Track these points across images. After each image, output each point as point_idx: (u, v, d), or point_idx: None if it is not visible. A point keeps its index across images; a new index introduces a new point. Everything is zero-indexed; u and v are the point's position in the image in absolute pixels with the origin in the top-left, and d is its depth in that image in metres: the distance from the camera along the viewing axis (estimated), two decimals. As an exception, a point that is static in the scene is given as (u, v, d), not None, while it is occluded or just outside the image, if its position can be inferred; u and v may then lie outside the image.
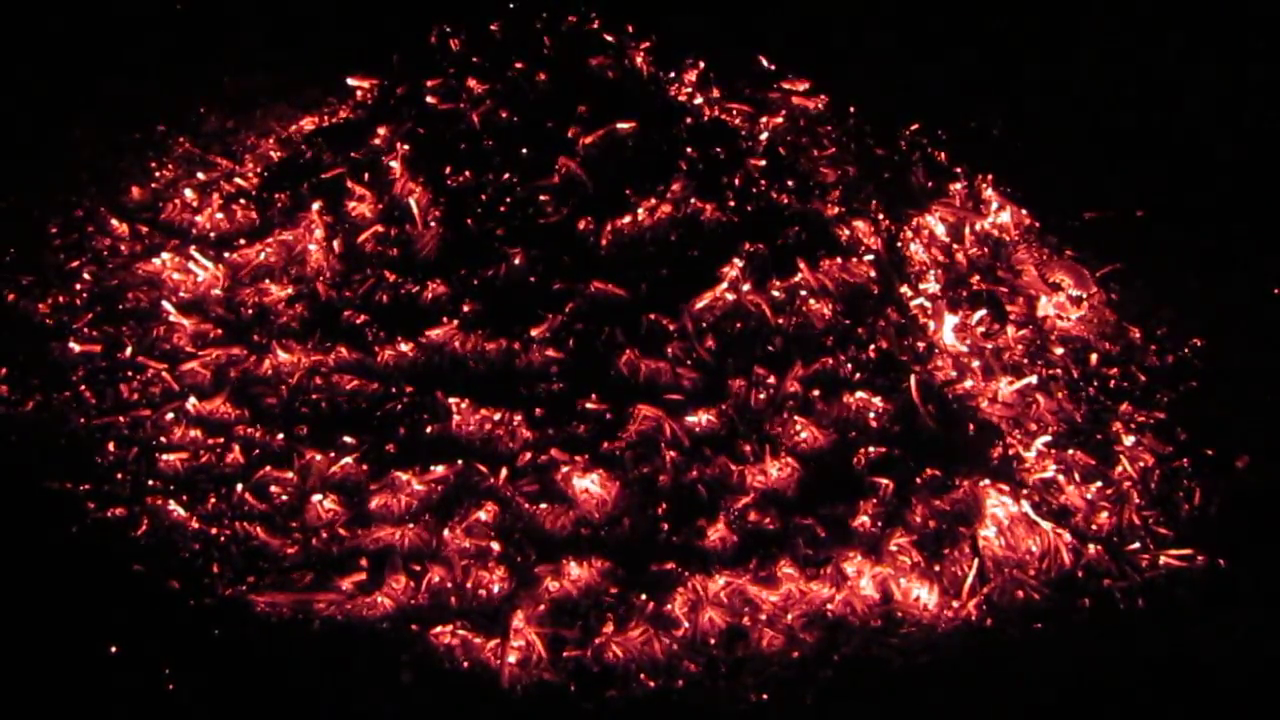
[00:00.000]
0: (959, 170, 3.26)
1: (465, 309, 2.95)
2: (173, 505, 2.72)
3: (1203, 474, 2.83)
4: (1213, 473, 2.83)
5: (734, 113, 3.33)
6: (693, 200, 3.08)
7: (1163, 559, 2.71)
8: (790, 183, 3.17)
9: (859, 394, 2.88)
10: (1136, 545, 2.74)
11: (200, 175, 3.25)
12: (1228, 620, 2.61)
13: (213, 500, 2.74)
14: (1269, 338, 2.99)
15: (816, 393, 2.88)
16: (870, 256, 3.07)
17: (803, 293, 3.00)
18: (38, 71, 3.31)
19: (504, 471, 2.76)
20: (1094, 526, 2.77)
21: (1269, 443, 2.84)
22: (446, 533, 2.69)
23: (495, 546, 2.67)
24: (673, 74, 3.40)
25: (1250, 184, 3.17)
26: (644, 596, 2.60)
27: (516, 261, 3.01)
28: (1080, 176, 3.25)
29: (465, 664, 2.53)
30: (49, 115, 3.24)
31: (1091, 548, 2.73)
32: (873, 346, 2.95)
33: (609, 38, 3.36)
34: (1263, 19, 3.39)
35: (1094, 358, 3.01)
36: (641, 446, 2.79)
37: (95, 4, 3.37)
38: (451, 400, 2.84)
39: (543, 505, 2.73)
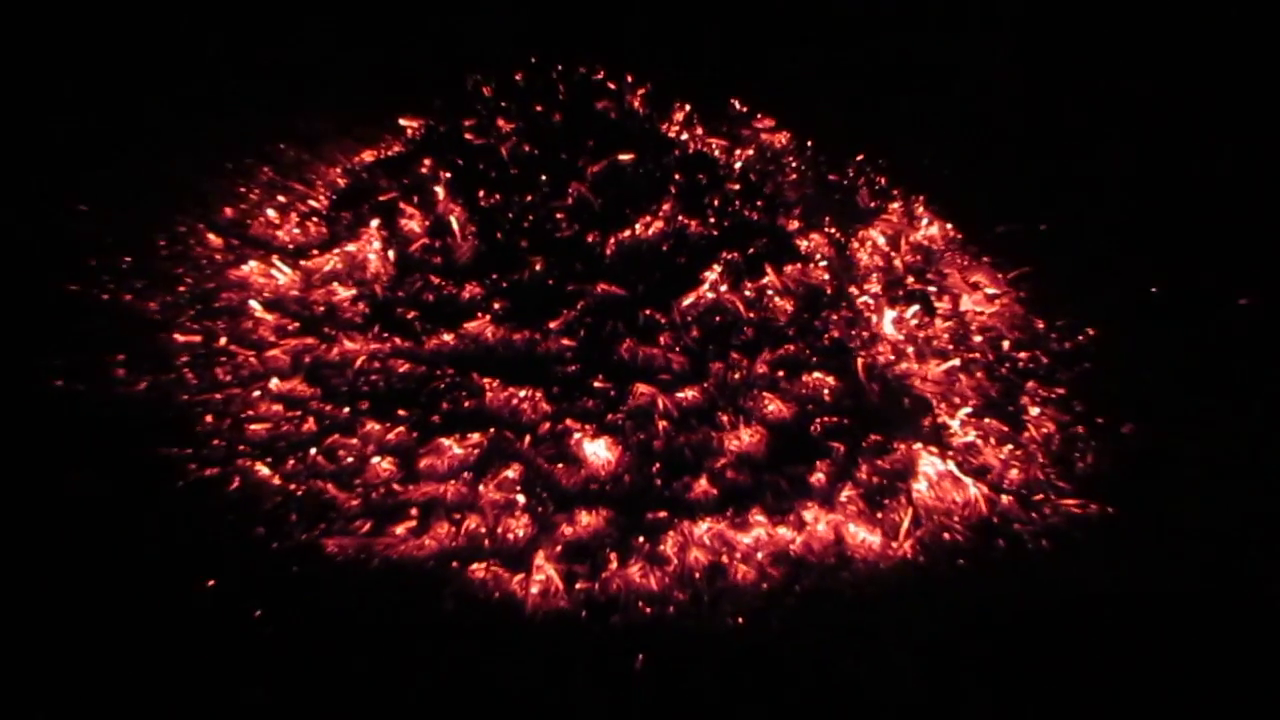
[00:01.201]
0: (896, 193, 3.20)
1: (496, 306, 2.86)
2: (258, 466, 2.61)
3: (1095, 438, 2.73)
4: (1103, 437, 2.72)
5: (713, 146, 3.26)
6: (680, 217, 3.00)
7: (1062, 507, 2.61)
8: (759, 203, 3.11)
9: (815, 374, 2.79)
10: (1041, 496, 2.64)
11: (280, 198, 3.21)
12: (1115, 556, 2.50)
13: (290, 462, 2.63)
14: (1148, 327, 2.89)
15: (781, 373, 2.79)
16: (824, 262, 3.03)
17: (770, 292, 2.92)
18: (150, 114, 3.25)
19: (527, 438, 2.66)
20: (1006, 481, 2.68)
21: (1149, 412, 2.73)
22: (481, 488, 2.60)
23: (520, 499, 2.58)
24: (664, 115, 3.32)
25: (1133, 204, 3.10)
26: (641, 539, 2.53)
27: (537, 267, 2.92)
28: (994, 197, 3.19)
29: (496, 595, 2.45)
30: (158, 149, 3.15)
31: (1004, 498, 2.62)
32: (827, 336, 2.87)
33: (612, 85, 3.28)
34: (1145, 57, 3.20)
35: (1006, 344, 2.94)
36: (639, 417, 2.70)
37: (199, 62, 3.27)
38: (484, 380, 2.74)
39: (559, 465, 2.64)
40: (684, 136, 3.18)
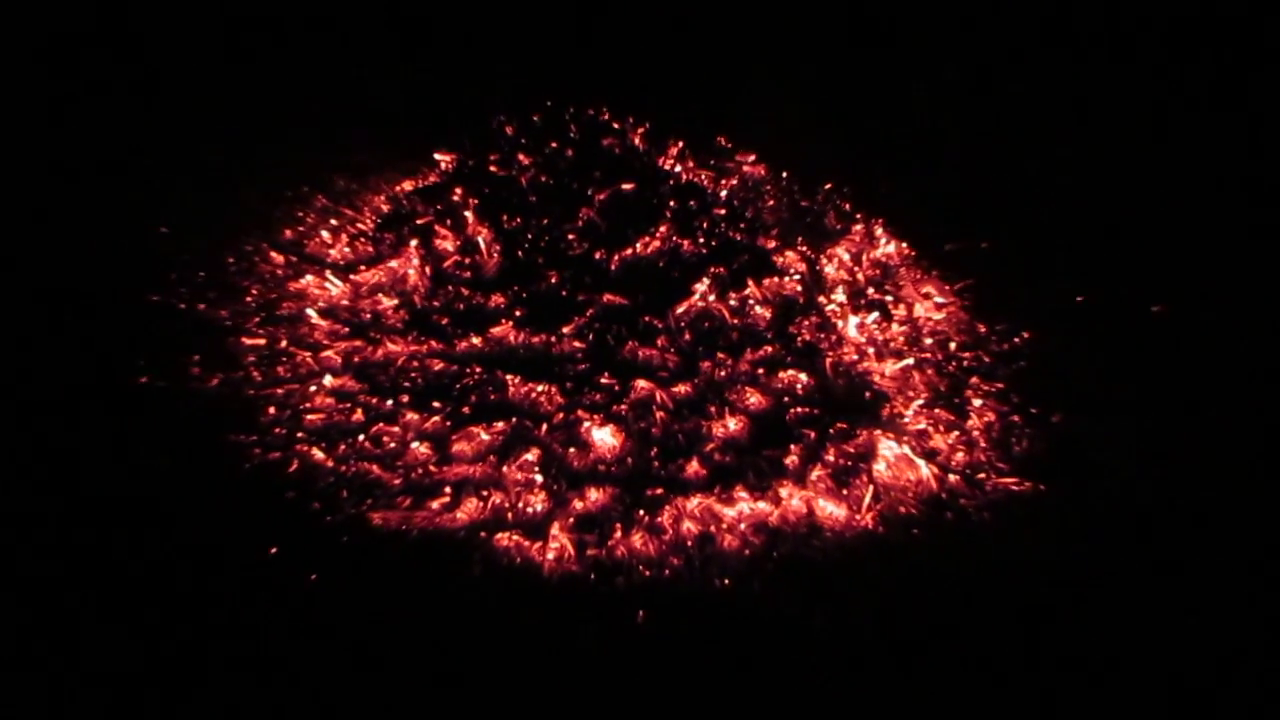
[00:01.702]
0: (858, 216, 3.16)
1: (517, 313, 2.83)
2: (314, 450, 2.60)
3: (1029, 425, 2.71)
4: (1036, 424, 2.71)
5: (702, 177, 3.22)
6: (674, 237, 2.99)
7: (1001, 485, 2.60)
8: (742, 225, 3.08)
9: (790, 371, 2.77)
10: (983, 475, 2.62)
11: (333, 221, 3.15)
12: (1045, 526, 2.50)
13: (341, 447, 2.61)
14: (1074, 331, 2.87)
15: (761, 371, 2.77)
16: (797, 276, 2.98)
17: (751, 301, 2.90)
18: (222, 151, 3.20)
19: (544, 426, 2.64)
20: (953, 462, 2.66)
21: (1075, 403, 2.72)
22: (504, 469, 2.58)
23: (538, 478, 2.57)
24: (660, 150, 3.29)
25: (1061, 228, 3.06)
26: (642, 512, 2.51)
27: (552, 280, 2.90)
28: (942, 220, 3.14)
29: (517, 560, 2.43)
30: (229, 181, 3.13)
31: (951, 477, 2.61)
32: (799, 339, 2.85)
33: (615, 125, 3.26)
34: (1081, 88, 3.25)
35: (953, 345, 2.90)
36: (639, 408, 2.68)
37: (265, 107, 3.25)
38: (507, 376, 2.72)
39: (571, 449, 2.62)
40: (677, 168, 3.18)
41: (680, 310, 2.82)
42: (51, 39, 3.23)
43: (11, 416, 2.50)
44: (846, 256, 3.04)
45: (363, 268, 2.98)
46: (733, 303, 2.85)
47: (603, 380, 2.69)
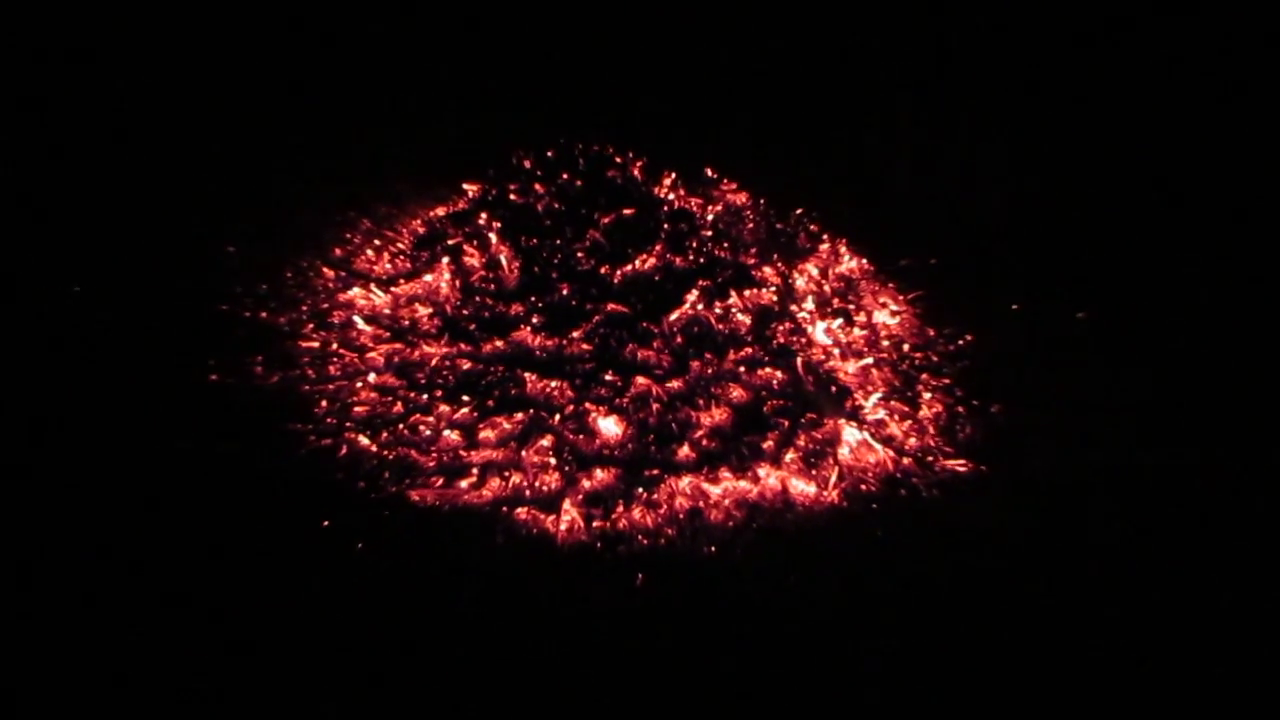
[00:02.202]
0: (825, 237, 3.16)
1: (534, 320, 2.83)
2: (360, 437, 2.59)
3: (971, 415, 2.72)
4: (977, 414, 2.72)
5: (692, 203, 3.21)
6: (668, 255, 2.99)
7: (947, 466, 2.60)
8: (726, 244, 3.08)
9: (767, 369, 2.77)
10: (931, 458, 2.63)
11: (376, 241, 3.13)
12: (985, 502, 2.51)
13: (384, 434, 2.60)
14: (1010, 334, 2.89)
15: (742, 369, 2.76)
16: (773, 288, 2.97)
17: (734, 310, 2.89)
18: (281, 181, 3.21)
19: (557, 416, 2.63)
20: (907, 447, 2.66)
21: (1011, 396, 2.73)
22: (523, 453, 2.57)
23: (552, 461, 2.55)
24: (656, 180, 3.28)
25: (999, 245, 3.10)
26: (641, 490, 2.50)
27: (564, 291, 2.89)
28: (897, 240, 3.15)
29: (534, 531, 2.42)
30: (287, 206, 3.13)
31: (905, 459, 2.62)
32: (775, 341, 2.84)
33: (618, 159, 3.26)
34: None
35: (906, 347, 2.90)
36: (638, 401, 2.67)
37: (316, 141, 3.28)
38: (525, 374, 2.71)
39: (580, 436, 2.61)
40: (671, 196, 3.19)
41: (673, 317, 2.84)
42: (128, 85, 3.26)
43: (103, 409, 2.52)
44: (815, 271, 3.06)
45: (401, 281, 2.99)
46: (718, 311, 2.87)
47: (607, 377, 2.70)
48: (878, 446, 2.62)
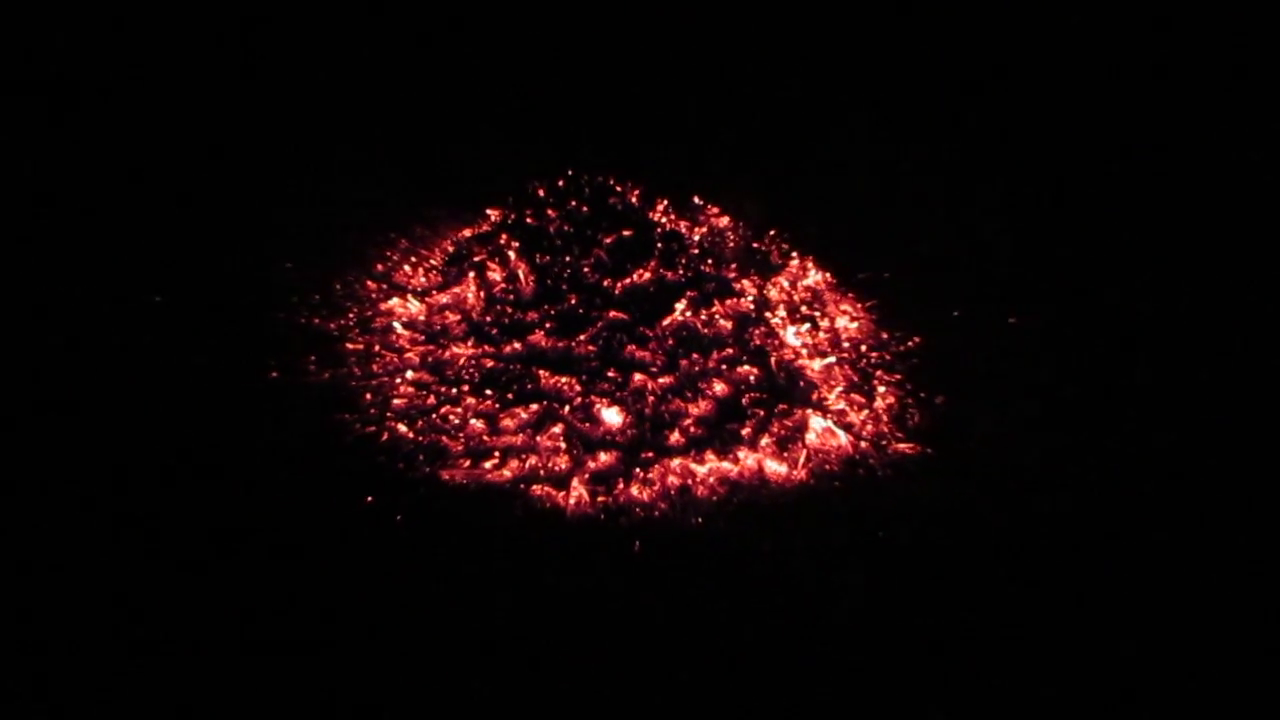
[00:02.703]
0: (795, 254, 3.16)
1: (547, 325, 2.86)
2: (399, 425, 2.62)
3: (919, 406, 2.73)
4: (925, 406, 2.73)
5: (681, 225, 3.21)
6: (661, 270, 3.01)
7: (899, 449, 2.63)
8: (710, 261, 3.09)
9: (745, 367, 2.79)
10: (885, 442, 2.66)
11: (412, 258, 3.13)
12: (932, 482, 2.54)
13: (420, 423, 2.64)
14: (952, 336, 2.91)
15: (724, 366, 2.79)
16: (751, 298, 2.99)
17: (717, 317, 2.91)
18: (331, 208, 3.23)
19: (567, 407, 2.66)
20: (864, 433, 2.69)
21: (954, 389, 2.76)
22: (538, 438, 2.60)
23: (563, 445, 2.58)
24: (650, 206, 3.28)
25: (940, 262, 3.10)
26: (638, 470, 2.52)
27: (572, 301, 2.92)
28: (855, 257, 3.15)
29: (548, 505, 2.45)
30: (336, 228, 3.16)
31: (863, 443, 2.64)
32: (752, 343, 2.87)
33: (618, 188, 3.26)
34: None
35: (864, 348, 2.91)
36: (637, 394, 2.70)
37: (363, 175, 3.28)
38: (540, 371, 2.74)
39: (586, 424, 2.63)
40: (663, 220, 3.21)
41: (665, 323, 2.87)
42: (217, 135, 3.29)
43: (182, 402, 2.56)
44: (786, 284, 3.09)
45: (434, 292, 3.03)
46: (703, 317, 2.91)
47: (609, 374, 2.74)
48: (839, 432, 2.66)
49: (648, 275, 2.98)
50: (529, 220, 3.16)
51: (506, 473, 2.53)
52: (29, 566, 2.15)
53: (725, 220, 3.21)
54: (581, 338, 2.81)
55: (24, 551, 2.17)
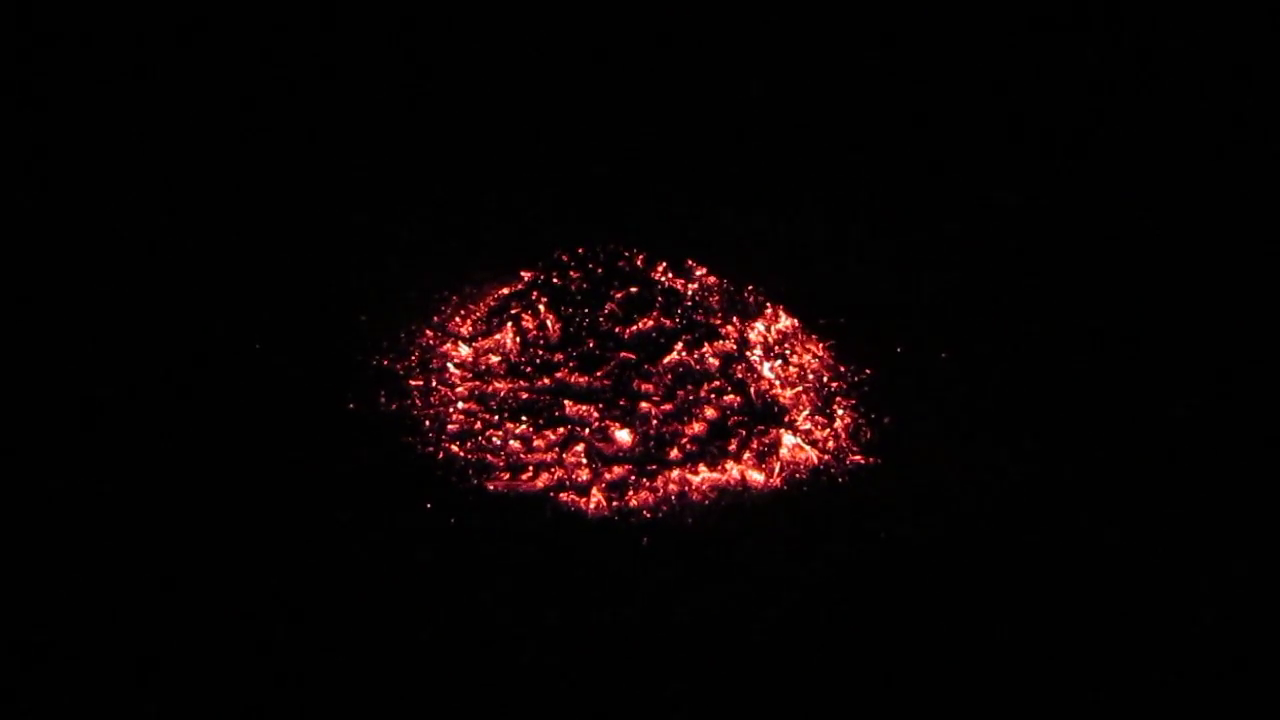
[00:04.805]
0: (768, 305, 3.61)
1: (571, 364, 3.28)
2: (452, 446, 3.02)
3: (870, 426, 3.13)
4: (874, 425, 3.13)
5: (678, 284, 3.65)
6: (662, 319, 3.44)
7: (854, 460, 3.02)
8: (700, 311, 3.54)
9: (730, 395, 3.20)
10: (844, 455, 3.06)
11: (462, 311, 3.58)
12: (884, 485, 2.91)
13: (469, 444, 3.03)
14: (896, 370, 3.35)
15: (713, 396, 3.20)
16: (733, 340, 3.42)
17: (708, 356, 3.33)
18: (391, 273, 3.75)
19: (587, 430, 3.05)
20: (827, 446, 3.07)
21: (898, 411, 3.18)
22: (564, 455, 2.97)
23: (585, 461, 2.95)
24: (651, 268, 3.72)
25: (888, 312, 3.59)
26: (645, 479, 2.89)
27: (591, 344, 3.34)
28: (818, 305, 3.60)
29: (571, 509, 2.80)
30: (398, 289, 3.66)
31: (825, 456, 3.04)
32: (735, 376, 3.29)
33: (625, 254, 3.74)
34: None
35: (825, 379, 3.31)
36: (643, 419, 3.10)
37: (418, 247, 3.85)
38: (565, 401, 3.16)
39: (602, 443, 3.01)
40: (663, 279, 3.70)
41: (666, 361, 3.27)
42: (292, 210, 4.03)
43: (272, 431, 3.01)
44: (762, 328, 3.56)
45: (479, 339, 3.50)
46: (695, 356, 3.31)
47: (621, 402, 3.13)
48: (807, 447, 3.06)
49: (651, 323, 3.41)
50: (555, 280, 3.64)
51: (539, 483, 2.90)
52: (133, 577, 2.32)
53: (713, 279, 3.77)
54: (599, 374, 3.22)
55: (125, 561, 2.38)
